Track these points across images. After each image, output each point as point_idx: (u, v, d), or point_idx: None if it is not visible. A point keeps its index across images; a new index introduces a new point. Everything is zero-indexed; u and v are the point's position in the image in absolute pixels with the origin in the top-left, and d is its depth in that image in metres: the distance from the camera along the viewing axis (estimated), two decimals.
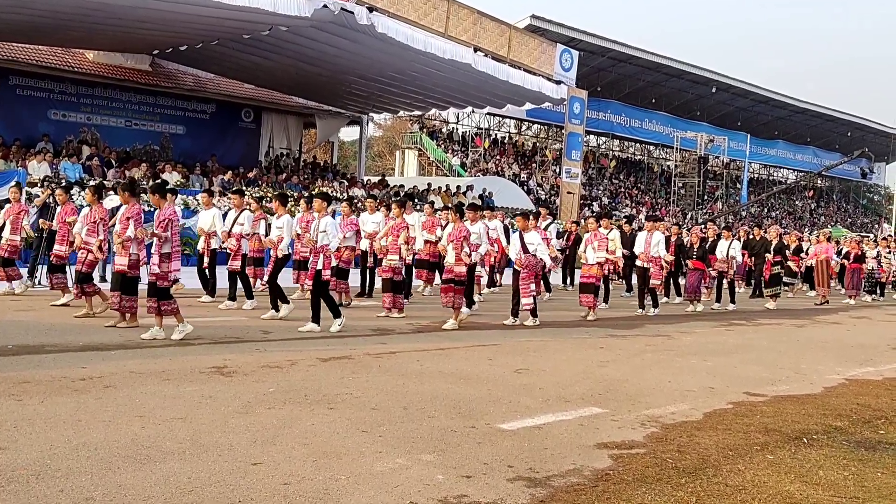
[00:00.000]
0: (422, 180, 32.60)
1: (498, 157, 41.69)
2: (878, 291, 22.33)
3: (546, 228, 15.73)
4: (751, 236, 20.49)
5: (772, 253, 18.00)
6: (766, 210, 53.03)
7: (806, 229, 45.96)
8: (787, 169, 59.05)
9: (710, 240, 16.67)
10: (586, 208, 34.73)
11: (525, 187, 36.63)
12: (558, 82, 25.32)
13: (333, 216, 12.25)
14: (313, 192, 12.36)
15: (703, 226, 21.10)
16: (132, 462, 4.46)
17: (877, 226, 56.55)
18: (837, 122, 54.05)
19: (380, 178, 31.17)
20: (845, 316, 16.58)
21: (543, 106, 28.55)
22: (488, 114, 39.29)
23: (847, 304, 19.72)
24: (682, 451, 5.33)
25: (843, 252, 21.51)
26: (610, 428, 5.85)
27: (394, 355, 8.43)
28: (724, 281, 16.46)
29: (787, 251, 18.63)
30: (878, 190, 66.91)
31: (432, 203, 15.10)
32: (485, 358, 8.63)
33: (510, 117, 42.75)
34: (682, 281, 17.65)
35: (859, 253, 20.80)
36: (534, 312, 11.55)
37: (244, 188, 19.92)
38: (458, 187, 29.35)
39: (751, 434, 5.90)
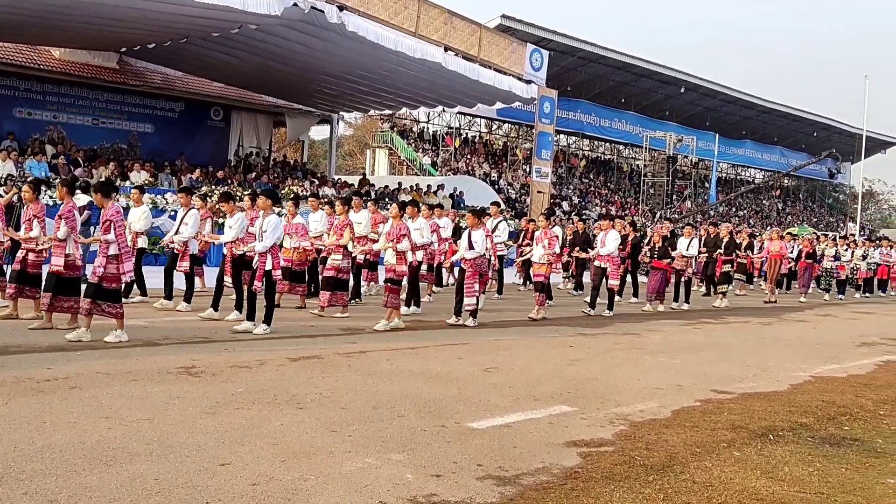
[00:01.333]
0: (392, 179, 32.56)
1: (468, 157, 41.75)
2: (839, 290, 22.47)
3: (496, 227, 15.43)
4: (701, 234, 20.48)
5: (723, 250, 17.95)
6: (734, 209, 53.64)
7: (769, 228, 46.54)
8: (755, 168, 59.80)
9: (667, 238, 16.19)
10: (556, 207, 34.89)
11: (496, 186, 36.73)
12: (528, 82, 25.38)
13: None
14: (257, 190, 12.11)
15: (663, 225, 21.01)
16: (98, 464, 4.41)
17: (842, 225, 57.43)
18: (804, 123, 54.84)
19: (361, 177, 31.05)
20: (811, 314, 16.82)
21: (514, 105, 28.61)
22: (459, 113, 39.35)
23: (817, 302, 19.98)
24: (650, 448, 5.38)
25: (797, 251, 21.41)
26: (579, 426, 5.89)
27: (364, 354, 8.41)
28: (682, 279, 16.23)
29: (737, 249, 18.57)
30: (844, 189, 67.95)
31: (376, 201, 14.65)
32: (455, 357, 8.64)
33: (481, 116, 42.82)
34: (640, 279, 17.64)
35: (811, 251, 20.78)
36: (474, 313, 11.29)
37: (213, 187, 19.77)
38: (429, 186, 29.35)
39: (718, 431, 5.97)
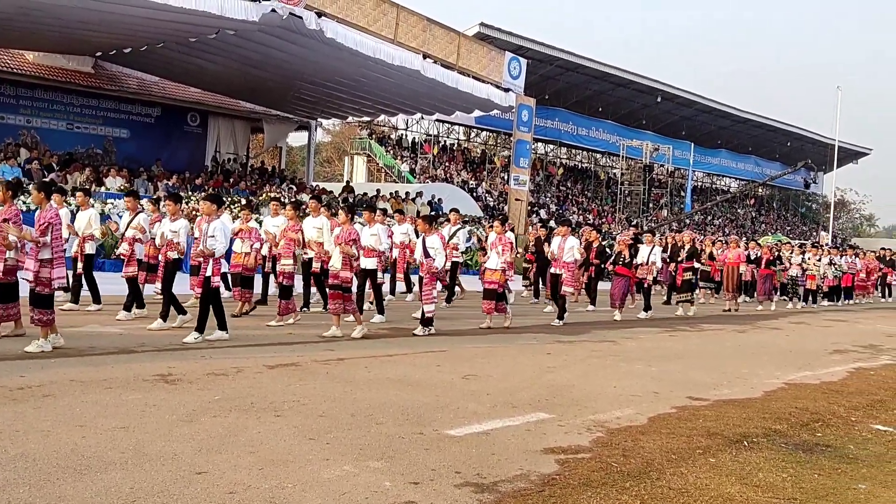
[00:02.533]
0: (371, 186, 32.56)
1: (447, 164, 41.81)
2: (811, 299, 22.38)
3: (455, 234, 15.13)
4: (667, 242, 20.41)
5: (684, 259, 17.68)
6: (709, 218, 54.13)
7: (743, 237, 46.95)
8: (730, 177, 60.44)
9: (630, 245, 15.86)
10: (534, 215, 35.02)
11: (474, 194, 36.81)
12: (507, 90, 25.51)
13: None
14: (203, 195, 11.78)
15: (627, 231, 20.76)
16: (72, 472, 4.36)
17: (815, 234, 58.11)
18: (778, 132, 55.51)
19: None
20: (784, 321, 16.98)
21: (492, 113, 28.75)
22: (437, 120, 39.40)
23: (790, 310, 20.15)
24: (626, 455, 5.41)
25: (756, 257, 21.08)
26: (556, 433, 5.91)
27: (342, 362, 8.39)
28: (643, 287, 15.84)
29: (701, 256, 18.44)
30: (817, 199, 68.79)
31: (329, 205, 14.10)
32: (433, 364, 8.64)
33: (459, 124, 42.91)
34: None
35: (771, 258, 20.61)
36: (430, 321, 10.98)
37: (190, 194, 19.63)
38: (408, 193, 29.37)
39: (693, 438, 6.01)
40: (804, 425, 6.75)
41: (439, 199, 29.62)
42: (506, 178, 36.29)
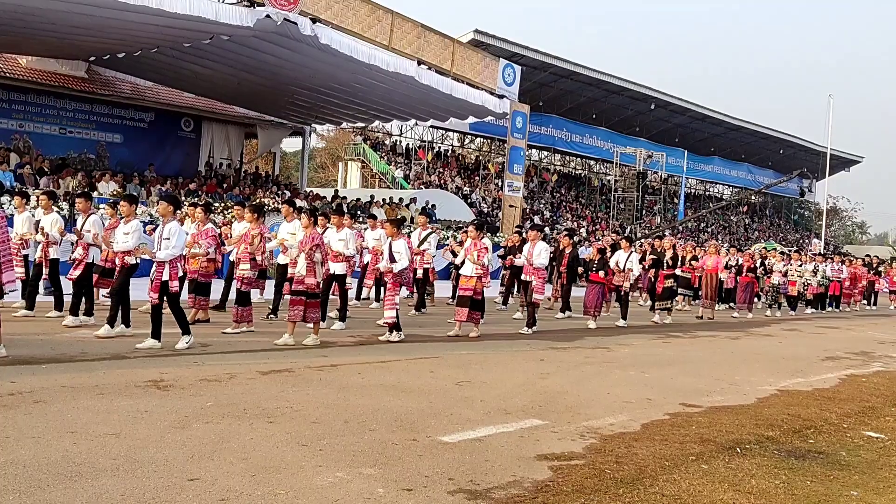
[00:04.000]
0: (365, 192, 32.54)
1: (441, 170, 41.82)
2: (791, 305, 22.18)
3: (425, 239, 14.85)
4: (646, 248, 20.28)
5: (665, 265, 17.34)
6: (702, 225, 54.25)
7: (724, 244, 46.91)
8: (723, 184, 60.63)
9: (608, 252, 15.54)
10: (528, 221, 35.04)
11: (468, 200, 36.83)
12: (501, 96, 25.55)
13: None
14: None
15: (604, 238, 20.40)
16: (63, 479, 4.34)
17: (807, 241, 58.29)
18: (770, 140, 55.75)
19: (334, 192, 30.91)
20: (777, 328, 17.02)
21: (486, 120, 28.78)
22: (431, 127, 39.44)
23: (784, 317, 20.17)
24: (620, 461, 5.41)
25: (737, 264, 20.83)
26: (550, 439, 5.91)
27: (335, 368, 8.37)
28: (620, 294, 15.40)
29: (681, 263, 18.15)
30: (809, 206, 69.05)
31: (302, 209, 13.61)
32: (426, 370, 8.63)
33: (453, 130, 42.94)
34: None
35: (752, 266, 20.33)
36: (396, 327, 10.78)
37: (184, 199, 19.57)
38: (402, 199, 29.37)
39: (686, 444, 6.02)
40: (796, 432, 6.76)
41: (433, 206, 29.62)
42: (500, 184, 36.30)
